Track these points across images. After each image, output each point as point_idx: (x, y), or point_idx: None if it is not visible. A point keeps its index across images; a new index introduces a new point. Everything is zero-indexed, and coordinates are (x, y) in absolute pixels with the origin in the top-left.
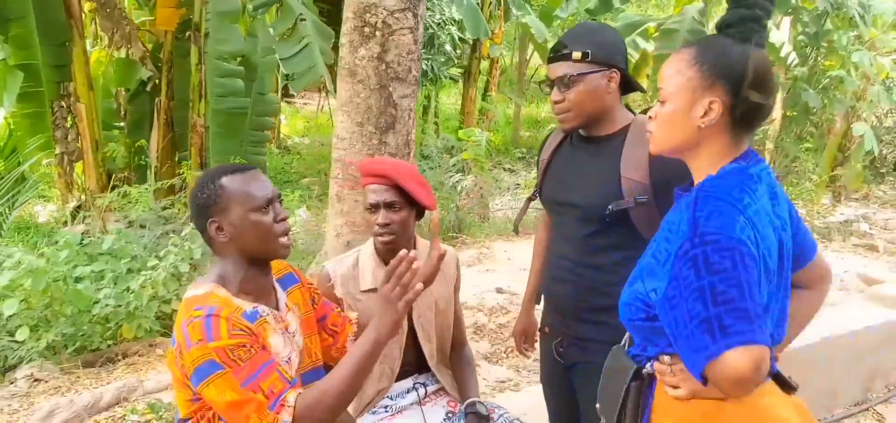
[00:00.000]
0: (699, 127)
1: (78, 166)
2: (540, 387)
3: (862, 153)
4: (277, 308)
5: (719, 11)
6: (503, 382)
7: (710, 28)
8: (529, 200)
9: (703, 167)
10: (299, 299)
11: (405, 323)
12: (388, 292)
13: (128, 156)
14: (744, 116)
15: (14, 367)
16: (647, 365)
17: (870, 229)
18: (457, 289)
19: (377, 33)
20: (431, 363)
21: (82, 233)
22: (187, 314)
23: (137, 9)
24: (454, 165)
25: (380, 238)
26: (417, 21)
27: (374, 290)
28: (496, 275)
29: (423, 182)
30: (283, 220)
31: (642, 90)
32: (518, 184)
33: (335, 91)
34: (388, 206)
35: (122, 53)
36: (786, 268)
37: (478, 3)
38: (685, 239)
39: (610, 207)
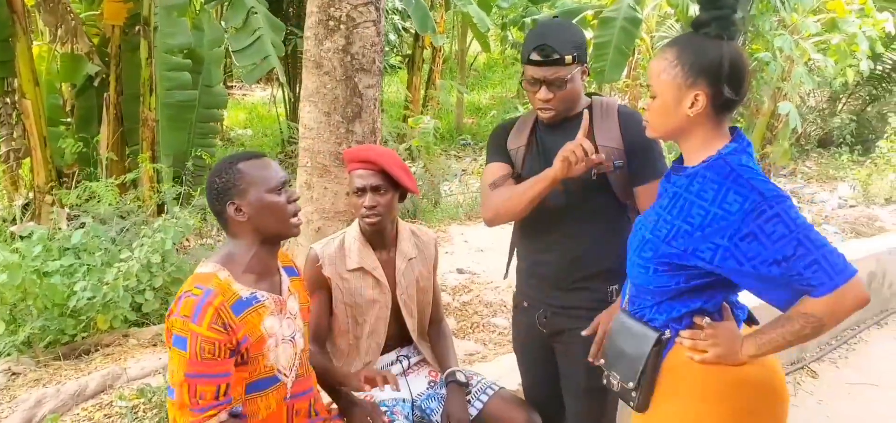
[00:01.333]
0: (688, 116)
1: (24, 163)
2: (507, 357)
3: (788, 131)
4: (280, 292)
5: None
6: (472, 354)
7: (645, 15)
8: None
9: (696, 147)
10: (300, 288)
11: (389, 300)
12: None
13: (76, 152)
14: (725, 104)
15: None
16: (667, 330)
17: (797, 202)
18: (435, 268)
19: (342, 26)
20: (414, 337)
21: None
22: (190, 287)
23: (77, 3)
24: (404, 151)
25: (367, 219)
26: (379, 14)
27: (360, 269)
28: (455, 257)
29: (405, 167)
30: (295, 201)
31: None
32: (464, 170)
33: (288, 82)
34: (375, 189)
35: (67, 49)
36: None
37: None
38: (755, 201)
39: (593, 171)
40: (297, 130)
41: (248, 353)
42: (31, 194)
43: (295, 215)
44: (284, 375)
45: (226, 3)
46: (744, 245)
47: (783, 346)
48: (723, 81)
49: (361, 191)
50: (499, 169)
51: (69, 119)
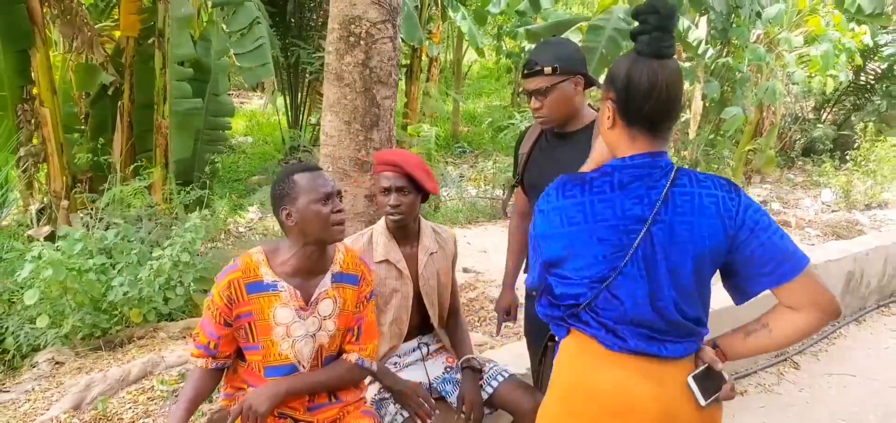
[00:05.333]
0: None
1: (41, 169)
2: (514, 346)
3: (773, 140)
4: (309, 292)
5: None
6: (480, 345)
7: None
8: (513, 187)
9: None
10: (350, 296)
11: (411, 291)
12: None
13: (90, 159)
14: (627, 115)
15: (26, 354)
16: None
17: (783, 207)
18: (454, 264)
19: (361, 42)
20: (435, 325)
21: (52, 232)
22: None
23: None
24: None
25: (391, 216)
26: (396, 31)
27: (385, 261)
28: (460, 257)
29: (428, 171)
30: (339, 212)
31: (599, 85)
32: (462, 175)
33: (290, 91)
34: (399, 190)
35: (82, 58)
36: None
37: (416, 7)
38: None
39: None
40: (300, 137)
41: (253, 329)
42: (45, 199)
43: (337, 224)
44: (303, 366)
45: (231, 11)
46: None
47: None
48: (619, 90)
49: (387, 190)
50: (518, 199)
51: (83, 127)
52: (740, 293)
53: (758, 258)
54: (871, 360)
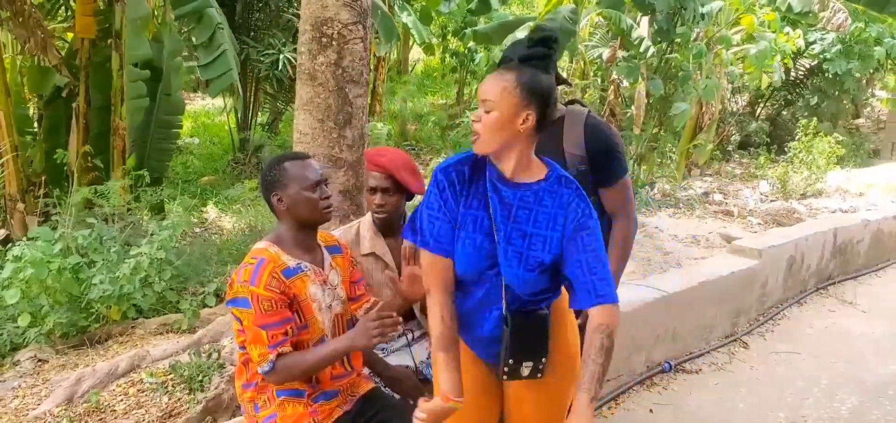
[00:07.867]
0: (518, 132)
1: None
2: None
3: (712, 135)
4: (322, 266)
5: (584, 11)
6: None
7: (580, 28)
8: None
9: (520, 161)
10: (343, 264)
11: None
12: (371, 328)
13: (44, 161)
14: (541, 125)
15: (6, 354)
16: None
17: (724, 198)
18: None
19: (334, 43)
20: (418, 313)
21: (7, 236)
22: (246, 259)
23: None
24: None
25: (376, 214)
26: (366, 31)
27: (372, 254)
28: None
29: (414, 171)
30: (327, 198)
31: (568, 84)
32: None
33: (241, 95)
34: (384, 190)
35: (34, 60)
36: None
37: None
38: (583, 216)
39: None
40: (248, 138)
41: (300, 312)
42: None
43: (326, 208)
44: (328, 336)
45: (194, 20)
46: (576, 238)
47: (599, 371)
48: (546, 105)
49: (373, 190)
50: None
51: (35, 129)
52: None
53: None
54: (813, 338)
